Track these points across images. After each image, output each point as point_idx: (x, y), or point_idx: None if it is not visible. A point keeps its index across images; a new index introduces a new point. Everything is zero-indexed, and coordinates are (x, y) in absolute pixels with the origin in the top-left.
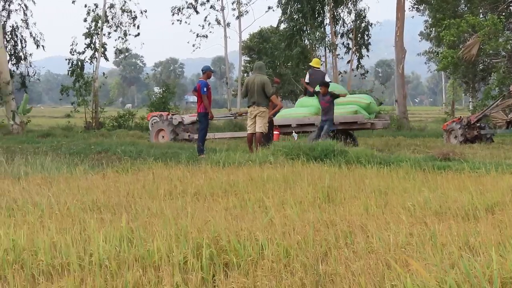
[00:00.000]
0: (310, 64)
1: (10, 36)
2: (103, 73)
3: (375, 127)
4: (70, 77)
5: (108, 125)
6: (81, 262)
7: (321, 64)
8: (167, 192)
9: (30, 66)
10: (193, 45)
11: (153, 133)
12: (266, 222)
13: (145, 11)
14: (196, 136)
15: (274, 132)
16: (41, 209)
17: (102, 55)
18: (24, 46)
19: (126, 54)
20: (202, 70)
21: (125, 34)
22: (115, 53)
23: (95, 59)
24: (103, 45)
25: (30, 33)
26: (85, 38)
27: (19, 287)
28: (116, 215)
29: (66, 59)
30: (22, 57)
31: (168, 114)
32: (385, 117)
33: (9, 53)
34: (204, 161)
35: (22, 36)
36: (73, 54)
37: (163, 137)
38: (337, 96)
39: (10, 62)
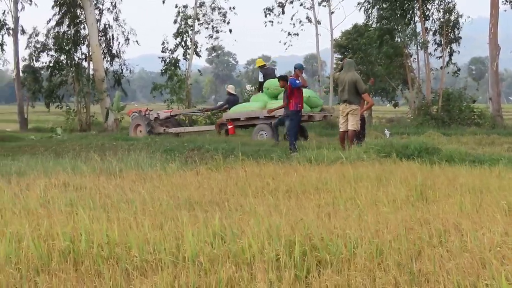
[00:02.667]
0: (257, 66)
1: (103, 34)
2: (198, 70)
3: (314, 119)
4: (162, 76)
5: (201, 123)
6: (174, 258)
7: (266, 61)
8: (259, 189)
9: (124, 64)
10: (284, 43)
11: (132, 128)
12: (358, 220)
13: (234, 8)
14: (171, 130)
15: (229, 126)
16: (135, 205)
17: (194, 52)
18: (117, 44)
19: (219, 52)
20: (294, 68)
21: (216, 31)
22: (207, 49)
23: (187, 57)
24: (195, 43)
25: (123, 31)
26: (175, 38)
27: (114, 282)
28: (209, 212)
29: (159, 57)
30: (116, 54)
31: (146, 110)
32: (329, 110)
33: (103, 51)
34: (296, 158)
35: (114, 34)
36: (164, 52)
37: (140, 131)
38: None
39: (104, 59)
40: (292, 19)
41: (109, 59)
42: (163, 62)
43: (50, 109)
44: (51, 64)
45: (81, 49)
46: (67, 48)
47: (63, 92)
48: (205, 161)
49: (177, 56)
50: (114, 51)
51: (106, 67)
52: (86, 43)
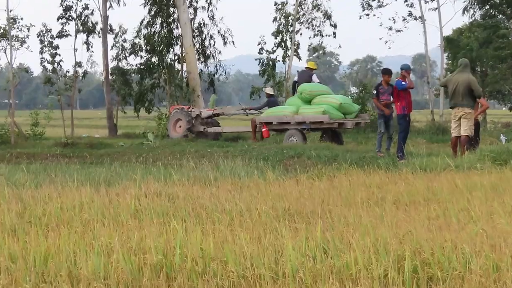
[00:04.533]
0: (309, 67)
1: (197, 34)
2: (297, 71)
3: (345, 127)
4: (261, 77)
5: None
6: (273, 274)
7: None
8: (364, 199)
9: (220, 65)
10: (386, 42)
11: (171, 122)
12: (472, 233)
13: (330, 13)
14: (210, 130)
15: (263, 129)
16: (231, 216)
17: (295, 53)
18: (212, 43)
19: (320, 52)
20: (401, 69)
21: (319, 33)
22: (308, 50)
23: (288, 57)
24: (296, 44)
25: (218, 31)
26: (275, 38)
27: None
28: (311, 224)
29: (256, 59)
30: (210, 55)
31: (189, 108)
32: (363, 117)
33: (198, 51)
34: (404, 166)
35: (209, 33)
36: (261, 53)
37: (180, 126)
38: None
39: (198, 61)
40: (382, 13)
41: (203, 60)
42: (261, 63)
43: (139, 115)
44: (141, 67)
45: (173, 50)
46: (159, 49)
47: (154, 96)
48: (306, 169)
49: (276, 57)
50: (208, 52)
51: (201, 69)
52: (179, 43)
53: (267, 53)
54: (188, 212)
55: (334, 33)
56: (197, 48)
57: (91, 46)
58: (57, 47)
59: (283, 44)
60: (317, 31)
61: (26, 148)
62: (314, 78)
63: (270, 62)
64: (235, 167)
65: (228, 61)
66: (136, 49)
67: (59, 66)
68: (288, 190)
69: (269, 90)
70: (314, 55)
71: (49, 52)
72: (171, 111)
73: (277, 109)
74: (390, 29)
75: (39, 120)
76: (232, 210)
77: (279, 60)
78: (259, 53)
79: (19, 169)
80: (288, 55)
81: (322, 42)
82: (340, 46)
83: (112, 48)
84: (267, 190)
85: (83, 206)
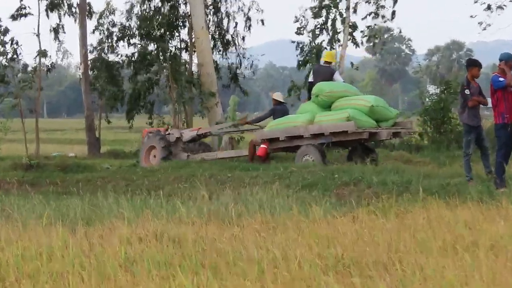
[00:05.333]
0: (325, 59)
1: (213, 12)
2: (351, 63)
3: (379, 138)
4: (299, 69)
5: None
6: None
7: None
8: (448, 244)
9: (243, 55)
10: (480, 23)
11: (143, 151)
12: None
13: None
14: (195, 157)
15: (261, 146)
16: (261, 267)
17: (350, 38)
18: (234, 25)
19: (385, 36)
20: (499, 60)
21: (377, 8)
22: (367, 35)
23: (337, 43)
24: (351, 25)
25: (241, 7)
26: (314, 17)
27: None
28: (373, 278)
29: (292, 42)
30: (231, 41)
31: (165, 131)
32: (404, 125)
33: (213, 36)
34: (505, 196)
35: (229, 12)
36: (301, 34)
37: (154, 156)
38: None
39: (214, 49)
40: None
41: (221, 48)
42: (299, 49)
43: (132, 124)
44: (134, 58)
45: (179, 34)
46: (159, 34)
47: (153, 98)
48: (366, 201)
49: (320, 43)
50: (228, 37)
51: (216, 61)
52: (188, 25)
53: (310, 35)
54: (200, 261)
55: (394, 12)
56: (212, 32)
57: (61, 29)
58: (6, 31)
59: (329, 26)
60: (377, 7)
61: None
62: (337, 76)
63: (315, 50)
64: (266, 199)
65: (255, 49)
66: (127, 33)
67: (15, 57)
68: (340, 230)
69: (277, 95)
70: (376, 41)
71: None
72: (144, 136)
73: (285, 119)
74: (489, 7)
75: None
76: (262, 258)
77: (325, 48)
78: (297, 33)
79: None
80: (338, 40)
81: (385, 21)
82: (400, 31)
83: (93, 32)
84: (311, 231)
85: (53, 253)
